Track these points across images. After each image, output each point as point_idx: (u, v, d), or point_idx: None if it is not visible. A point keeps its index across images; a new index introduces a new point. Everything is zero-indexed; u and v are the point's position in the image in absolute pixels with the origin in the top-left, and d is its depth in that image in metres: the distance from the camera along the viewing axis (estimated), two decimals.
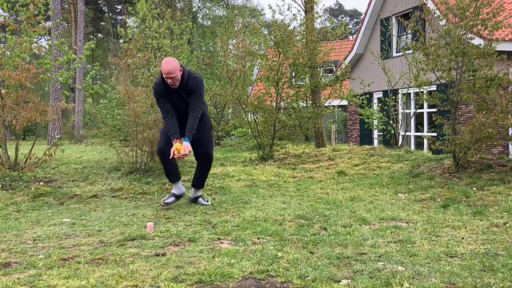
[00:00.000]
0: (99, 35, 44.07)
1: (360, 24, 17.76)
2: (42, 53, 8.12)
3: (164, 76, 4.89)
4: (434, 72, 7.12)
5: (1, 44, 7.87)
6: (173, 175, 5.34)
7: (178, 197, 5.32)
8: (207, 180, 7.35)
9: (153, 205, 5.52)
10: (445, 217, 4.61)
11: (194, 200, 5.46)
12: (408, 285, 2.70)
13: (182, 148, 4.82)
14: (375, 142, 15.17)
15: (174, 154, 4.81)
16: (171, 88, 4.98)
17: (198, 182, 5.47)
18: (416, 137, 14.18)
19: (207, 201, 5.47)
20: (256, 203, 5.51)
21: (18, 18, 7.57)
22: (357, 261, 3.19)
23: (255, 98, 10.09)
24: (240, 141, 15.06)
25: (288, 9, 30.16)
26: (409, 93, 13.49)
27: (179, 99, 5.03)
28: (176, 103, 5.07)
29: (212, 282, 2.79)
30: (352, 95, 11.72)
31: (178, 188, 5.35)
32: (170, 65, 4.84)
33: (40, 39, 8.20)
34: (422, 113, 13.74)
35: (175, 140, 4.89)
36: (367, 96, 13.45)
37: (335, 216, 4.72)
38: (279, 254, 3.35)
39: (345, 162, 8.83)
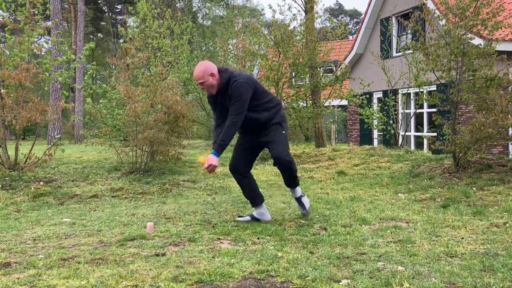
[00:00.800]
0: (99, 35, 44.06)
1: (360, 24, 17.77)
2: (42, 53, 8.12)
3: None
4: (434, 72, 7.12)
5: (1, 44, 7.86)
6: (251, 198, 4.58)
7: (255, 219, 4.54)
8: (207, 180, 7.38)
9: (153, 205, 5.52)
10: (445, 217, 4.61)
11: (297, 200, 4.69)
12: (408, 285, 2.70)
13: (204, 161, 4.20)
14: (375, 142, 15.17)
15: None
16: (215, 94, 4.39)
17: (287, 182, 4.60)
18: (416, 137, 14.18)
19: (305, 209, 4.63)
20: None
21: (17, 18, 7.57)
22: (357, 261, 3.19)
23: None
24: None
25: (288, 9, 30.14)
26: (409, 93, 13.49)
27: (225, 106, 4.38)
28: (222, 110, 4.42)
29: (212, 282, 2.78)
30: (352, 95, 11.72)
31: (260, 213, 4.53)
32: (197, 70, 4.27)
33: (40, 38, 8.18)
34: (422, 113, 13.74)
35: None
36: (367, 96, 13.45)
37: (335, 216, 4.72)
38: (279, 254, 3.35)
39: (345, 162, 8.83)
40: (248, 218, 4.55)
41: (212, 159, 4.13)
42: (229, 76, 4.28)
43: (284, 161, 4.36)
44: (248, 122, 4.37)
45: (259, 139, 4.50)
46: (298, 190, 4.65)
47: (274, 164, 4.50)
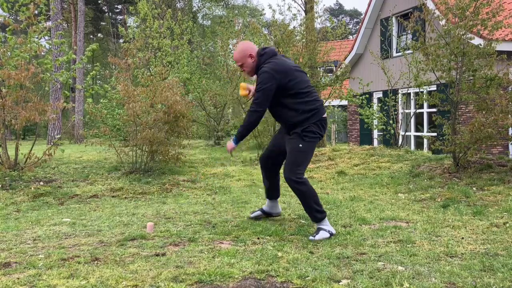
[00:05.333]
0: (99, 35, 44.07)
1: (360, 24, 17.77)
2: (42, 53, 8.11)
3: None
4: (434, 72, 7.12)
5: (2, 44, 7.86)
6: (269, 190, 4.52)
7: (267, 214, 4.59)
8: (207, 180, 7.38)
9: (153, 205, 5.52)
10: (445, 217, 4.61)
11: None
12: (408, 285, 2.70)
13: (244, 91, 4.16)
14: (375, 142, 15.17)
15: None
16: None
17: (304, 208, 4.17)
18: (416, 137, 14.18)
19: (313, 236, 3.88)
20: (256, 203, 5.51)
21: (18, 18, 7.57)
22: (357, 261, 3.19)
23: None
24: None
25: (288, 9, 30.15)
26: (409, 93, 13.49)
27: None
28: None
29: (212, 282, 2.79)
30: (351, 95, 11.72)
31: (271, 206, 4.58)
32: (236, 51, 4.15)
33: (41, 38, 8.17)
34: (422, 113, 13.74)
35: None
36: (367, 96, 13.46)
37: (335, 216, 4.71)
38: (279, 254, 3.35)
39: (345, 162, 8.83)
40: (258, 213, 4.60)
41: (229, 144, 4.05)
42: (264, 60, 4.01)
43: (287, 180, 3.98)
44: (275, 117, 4.21)
45: (286, 141, 4.15)
46: (322, 224, 3.99)
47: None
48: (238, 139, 4.03)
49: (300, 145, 3.97)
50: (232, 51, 14.97)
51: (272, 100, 3.97)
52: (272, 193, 4.51)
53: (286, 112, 4.02)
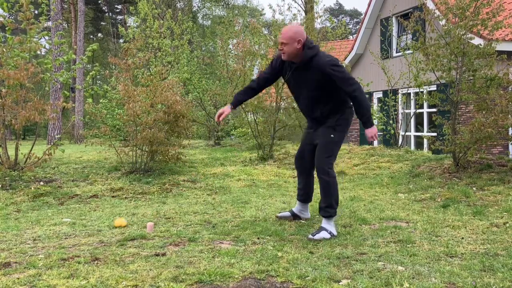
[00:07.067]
0: (99, 35, 44.09)
1: (360, 24, 17.78)
2: (42, 53, 8.11)
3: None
4: (434, 72, 7.12)
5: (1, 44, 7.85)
6: (302, 191, 4.53)
7: (295, 216, 4.59)
8: (207, 180, 7.38)
9: (153, 205, 5.52)
10: (445, 217, 4.61)
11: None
12: (408, 285, 2.70)
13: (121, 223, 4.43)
14: (375, 142, 15.18)
15: None
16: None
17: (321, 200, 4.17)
18: (416, 137, 14.18)
19: (313, 235, 3.88)
20: (256, 203, 5.52)
21: (18, 18, 7.57)
22: (357, 261, 3.19)
23: (255, 98, 10.08)
24: (240, 141, 15.07)
25: (288, 9, 30.20)
26: (409, 93, 13.50)
27: (299, 84, 4.12)
28: (296, 87, 4.18)
29: (212, 282, 2.79)
30: None
31: (300, 210, 4.60)
32: (286, 31, 3.90)
33: (40, 38, 8.19)
34: (422, 113, 13.74)
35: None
36: (367, 96, 13.46)
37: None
38: (279, 254, 3.35)
39: (345, 162, 8.83)
40: (287, 214, 4.62)
41: (372, 130, 4.02)
42: (315, 54, 3.90)
43: (318, 169, 4.04)
44: (312, 108, 4.15)
45: (317, 134, 4.21)
46: (327, 225, 3.99)
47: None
48: (371, 121, 4.07)
49: (332, 136, 4.08)
50: (232, 51, 14.97)
51: (321, 91, 4.00)
52: (305, 195, 4.53)
53: (334, 103, 4.08)
